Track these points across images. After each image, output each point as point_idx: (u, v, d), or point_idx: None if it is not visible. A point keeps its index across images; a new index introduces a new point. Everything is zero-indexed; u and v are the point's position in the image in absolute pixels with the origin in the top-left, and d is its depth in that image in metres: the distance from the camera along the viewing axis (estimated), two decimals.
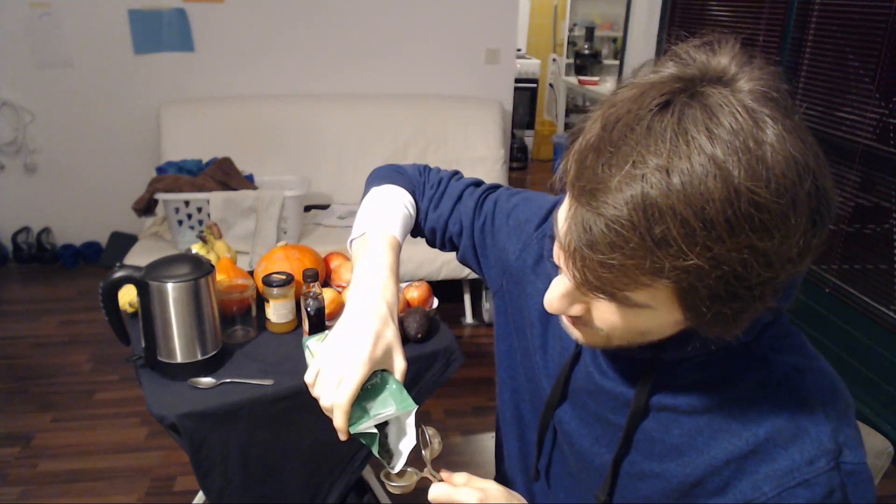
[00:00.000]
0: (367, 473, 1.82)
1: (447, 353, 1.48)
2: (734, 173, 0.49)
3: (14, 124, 3.42)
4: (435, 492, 0.73)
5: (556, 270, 0.64)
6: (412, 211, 0.94)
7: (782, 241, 0.51)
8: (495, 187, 0.96)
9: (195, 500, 1.78)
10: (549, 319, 0.84)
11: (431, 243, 1.01)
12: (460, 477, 0.75)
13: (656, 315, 0.58)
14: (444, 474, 0.75)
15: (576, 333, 0.67)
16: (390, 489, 0.75)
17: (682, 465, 0.68)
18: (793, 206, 0.50)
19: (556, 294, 0.63)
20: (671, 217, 0.50)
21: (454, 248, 0.98)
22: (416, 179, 0.98)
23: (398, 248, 0.86)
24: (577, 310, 0.63)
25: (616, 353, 0.72)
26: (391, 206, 0.90)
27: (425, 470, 0.76)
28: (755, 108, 0.51)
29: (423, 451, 0.76)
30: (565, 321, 0.68)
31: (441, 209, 0.95)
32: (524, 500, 0.76)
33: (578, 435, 0.79)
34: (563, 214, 0.58)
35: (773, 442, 0.63)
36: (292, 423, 1.35)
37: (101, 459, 2.16)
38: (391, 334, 0.75)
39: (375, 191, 0.94)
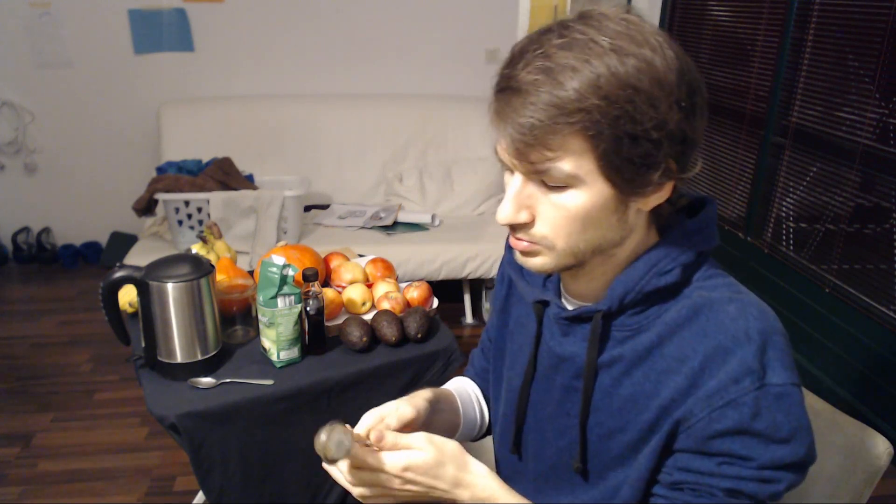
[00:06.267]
0: None
1: (447, 353, 1.48)
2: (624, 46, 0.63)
3: (14, 124, 3.42)
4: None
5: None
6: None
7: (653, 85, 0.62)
8: None
9: (195, 500, 1.78)
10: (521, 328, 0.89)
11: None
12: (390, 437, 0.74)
13: (585, 194, 0.66)
14: (373, 435, 0.74)
15: (529, 262, 0.73)
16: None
17: (638, 412, 0.72)
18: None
19: (508, 197, 0.69)
20: (571, 74, 0.61)
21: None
22: None
23: None
24: (524, 216, 0.69)
25: (566, 319, 0.77)
26: None
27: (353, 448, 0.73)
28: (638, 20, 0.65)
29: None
30: (516, 243, 0.72)
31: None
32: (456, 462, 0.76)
33: (551, 416, 0.83)
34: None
35: (707, 371, 0.67)
36: (292, 423, 1.35)
37: (101, 459, 2.16)
38: None
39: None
